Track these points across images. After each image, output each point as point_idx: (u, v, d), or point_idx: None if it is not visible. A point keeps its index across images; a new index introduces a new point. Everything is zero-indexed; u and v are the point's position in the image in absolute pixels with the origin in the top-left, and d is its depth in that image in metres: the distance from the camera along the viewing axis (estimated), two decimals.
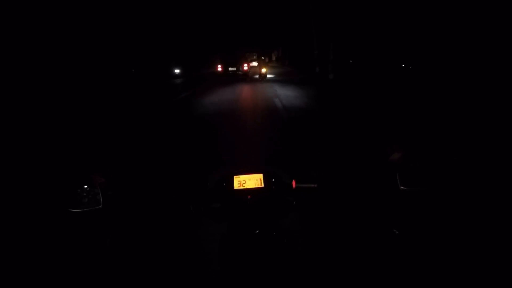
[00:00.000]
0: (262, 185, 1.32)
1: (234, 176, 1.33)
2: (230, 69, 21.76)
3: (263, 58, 31.15)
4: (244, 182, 1.32)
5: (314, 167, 1.62)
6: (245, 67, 21.70)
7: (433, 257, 1.11)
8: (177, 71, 26.24)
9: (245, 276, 1.09)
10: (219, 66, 22.81)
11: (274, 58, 54.58)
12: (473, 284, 1.10)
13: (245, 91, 15.83)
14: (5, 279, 1.21)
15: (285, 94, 13.65)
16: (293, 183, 1.34)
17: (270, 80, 20.44)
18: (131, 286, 1.09)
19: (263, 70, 20.46)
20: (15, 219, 1.82)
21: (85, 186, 1.23)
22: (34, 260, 1.31)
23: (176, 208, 1.29)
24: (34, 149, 5.11)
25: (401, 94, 11.77)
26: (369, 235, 1.21)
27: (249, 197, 1.31)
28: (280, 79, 21.29)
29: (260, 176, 1.33)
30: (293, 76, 22.90)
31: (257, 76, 20.78)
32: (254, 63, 22.80)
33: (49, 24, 15.42)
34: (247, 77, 20.61)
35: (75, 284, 1.14)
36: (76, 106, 10.24)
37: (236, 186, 1.32)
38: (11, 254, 1.40)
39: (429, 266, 1.10)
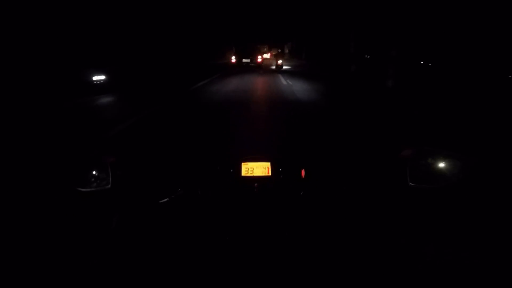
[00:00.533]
0: (270, 174, 1.32)
1: (242, 163, 1.33)
2: (244, 60, 21.53)
3: (279, 50, 31.83)
4: (252, 169, 1.32)
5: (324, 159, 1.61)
6: (259, 59, 21.44)
7: (436, 255, 1.10)
8: (98, 78, 11.46)
9: (245, 264, 1.09)
10: (233, 57, 22.51)
11: (287, 51, 48.43)
12: (476, 282, 1.09)
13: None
14: (8, 259, 1.24)
15: None
16: (302, 172, 1.33)
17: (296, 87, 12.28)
18: (134, 268, 1.11)
19: (279, 62, 21.52)
20: (23, 197, 1.86)
21: (95, 166, 1.24)
22: (38, 240, 1.34)
23: (185, 190, 1.30)
24: (44, 129, 5.20)
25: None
26: (374, 231, 1.20)
27: (256, 185, 1.31)
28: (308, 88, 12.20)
29: (268, 164, 1.33)
30: (324, 81, 14.68)
31: (273, 67, 21.50)
32: (266, 55, 22.98)
33: None
34: (260, 69, 20.40)
35: (79, 264, 1.16)
36: None
37: (244, 173, 1.32)
38: (15, 233, 1.44)
39: (432, 263, 1.09)
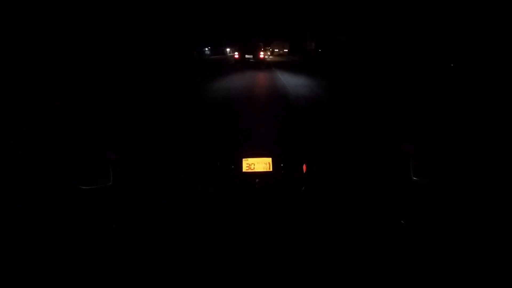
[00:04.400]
0: (271, 169, 1.31)
1: (243, 159, 1.32)
2: (246, 56, 22.12)
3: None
4: (253, 165, 1.31)
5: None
6: (261, 55, 22.16)
7: (440, 252, 1.09)
8: None
9: (246, 259, 1.09)
10: (236, 53, 23.15)
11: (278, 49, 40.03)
12: (479, 281, 1.08)
13: None
14: (7, 256, 1.24)
15: None
16: (304, 167, 1.32)
17: None
18: (135, 266, 1.11)
19: (268, 53, 25.88)
20: (23, 195, 1.85)
21: (96, 163, 1.24)
22: (39, 238, 1.33)
23: (185, 186, 1.30)
24: (45, 129, 5.19)
25: None
26: (376, 226, 1.19)
27: (257, 180, 1.30)
28: None
29: (269, 160, 1.32)
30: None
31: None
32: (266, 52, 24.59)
33: None
34: (262, 65, 20.94)
35: (80, 262, 1.16)
36: None
37: (245, 169, 1.31)
38: (15, 231, 1.43)
39: (435, 260, 1.08)
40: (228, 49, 47.21)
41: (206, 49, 37.49)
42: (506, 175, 2.17)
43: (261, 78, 14.92)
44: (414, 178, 1.15)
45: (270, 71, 17.85)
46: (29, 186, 1.98)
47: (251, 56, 22.02)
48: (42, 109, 7.03)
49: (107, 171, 1.20)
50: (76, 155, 1.27)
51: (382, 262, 1.08)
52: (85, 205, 1.28)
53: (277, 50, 41.47)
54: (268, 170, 1.31)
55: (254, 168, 1.31)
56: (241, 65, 20.42)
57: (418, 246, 1.15)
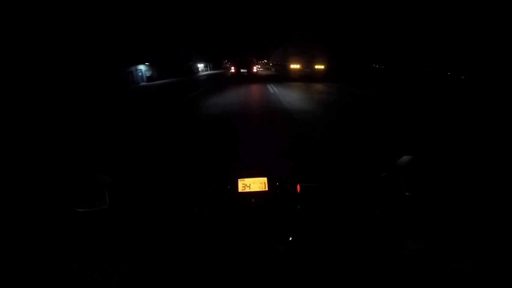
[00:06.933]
0: (266, 189, 1.33)
1: (239, 179, 1.34)
2: (241, 70, 24.18)
3: (265, 61, 35.92)
4: (249, 185, 1.33)
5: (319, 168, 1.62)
6: (254, 69, 24.39)
7: (435, 262, 1.10)
8: None
9: (245, 279, 1.09)
10: (232, 68, 24.98)
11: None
12: None
13: None
14: (6, 280, 1.23)
15: None
16: (298, 187, 1.34)
17: None
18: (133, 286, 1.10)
19: (258, 66, 27.54)
20: (19, 219, 1.83)
21: (92, 186, 1.24)
22: (35, 261, 1.32)
23: (181, 209, 1.30)
24: (42, 148, 5.15)
25: None
26: (370, 240, 1.20)
27: (253, 200, 1.32)
28: None
29: (265, 179, 1.34)
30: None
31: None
32: (258, 66, 26.28)
33: None
34: (255, 78, 22.14)
35: (75, 285, 1.15)
36: None
37: (241, 189, 1.33)
38: (13, 255, 1.42)
39: (431, 271, 1.09)
40: (200, 66, 35.69)
41: (142, 67, 20.68)
42: (500, 188, 2.19)
43: None
44: (407, 194, 1.16)
45: None
46: (26, 201, 1.97)
47: (245, 70, 24.19)
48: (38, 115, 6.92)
49: (103, 194, 1.21)
50: (72, 177, 1.28)
51: (378, 280, 1.08)
52: (82, 227, 1.28)
53: (297, 66, 21.11)
54: (263, 189, 1.33)
55: (250, 188, 1.33)
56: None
57: (413, 260, 1.16)
